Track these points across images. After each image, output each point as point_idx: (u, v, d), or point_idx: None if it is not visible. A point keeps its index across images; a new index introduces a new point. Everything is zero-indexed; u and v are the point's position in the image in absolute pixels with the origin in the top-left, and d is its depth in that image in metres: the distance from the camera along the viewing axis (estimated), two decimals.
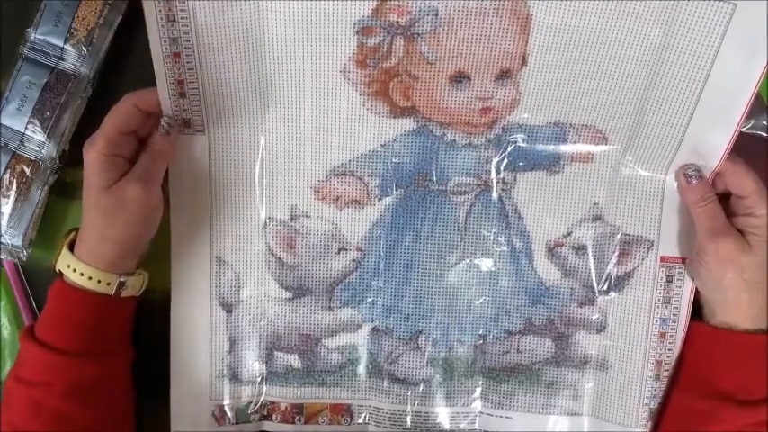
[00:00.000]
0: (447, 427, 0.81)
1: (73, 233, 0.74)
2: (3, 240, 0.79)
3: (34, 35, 0.76)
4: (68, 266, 0.71)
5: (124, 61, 0.80)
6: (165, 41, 0.70)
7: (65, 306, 0.72)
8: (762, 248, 0.70)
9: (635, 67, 0.70)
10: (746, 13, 0.65)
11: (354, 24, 0.70)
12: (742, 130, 0.76)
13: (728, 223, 0.72)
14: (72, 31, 0.76)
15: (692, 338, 0.76)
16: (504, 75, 0.72)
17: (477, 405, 0.80)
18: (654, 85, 0.71)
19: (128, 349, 0.77)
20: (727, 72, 0.68)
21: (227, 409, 0.80)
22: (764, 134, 0.79)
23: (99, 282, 0.71)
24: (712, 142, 0.71)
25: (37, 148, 0.78)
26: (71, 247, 0.73)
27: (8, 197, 0.78)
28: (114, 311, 0.74)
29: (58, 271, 0.73)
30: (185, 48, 0.70)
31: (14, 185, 0.78)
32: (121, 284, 0.72)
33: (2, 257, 0.81)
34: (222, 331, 0.79)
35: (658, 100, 0.71)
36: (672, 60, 0.69)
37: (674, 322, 0.76)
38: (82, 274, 0.71)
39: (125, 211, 0.70)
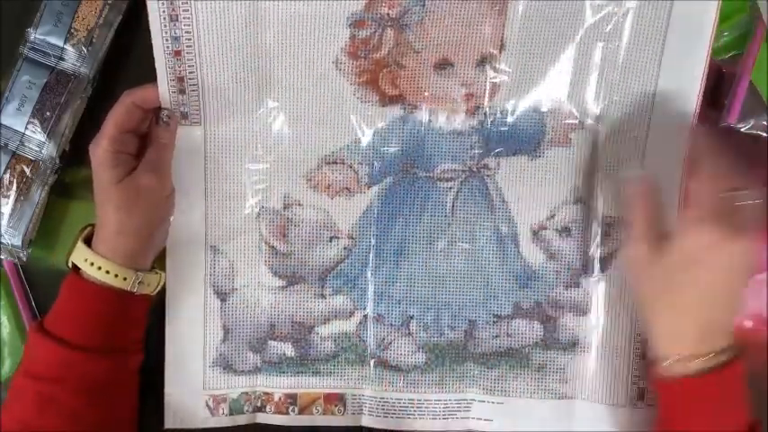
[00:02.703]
0: (440, 414, 0.81)
1: (89, 228, 0.75)
2: (3, 240, 0.79)
3: (34, 35, 0.77)
4: (85, 260, 0.72)
5: (124, 61, 0.80)
6: (166, 40, 0.72)
7: (79, 300, 0.73)
8: (671, 251, 0.67)
9: (600, 44, 0.74)
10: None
11: (347, 18, 0.73)
12: (742, 129, 0.79)
13: (647, 229, 0.70)
14: (72, 31, 0.76)
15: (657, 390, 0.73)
16: (484, 60, 0.75)
17: (470, 391, 0.81)
18: (617, 64, 0.74)
19: (139, 349, 0.77)
20: (679, 54, 0.73)
21: (221, 400, 0.80)
22: (764, 134, 0.80)
23: (116, 276, 0.72)
24: (678, 130, 0.75)
25: (37, 148, 0.78)
26: (87, 243, 0.73)
27: (8, 197, 0.78)
28: (128, 308, 0.75)
29: (71, 265, 0.74)
30: (186, 46, 0.73)
31: (14, 185, 0.78)
32: (138, 280, 0.73)
33: (2, 257, 0.81)
34: (216, 320, 0.80)
35: (623, 80, 0.75)
36: (630, 34, 0.73)
37: None
38: (99, 268, 0.71)
39: (140, 201, 0.71)
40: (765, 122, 0.79)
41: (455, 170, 0.78)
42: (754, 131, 0.80)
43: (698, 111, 0.74)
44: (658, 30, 0.73)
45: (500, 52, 0.74)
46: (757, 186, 0.67)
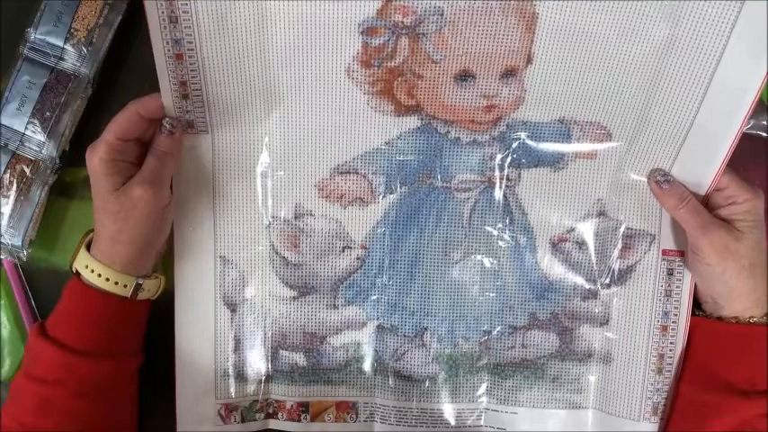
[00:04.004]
0: (453, 423, 0.81)
1: (91, 233, 0.74)
2: (3, 240, 0.79)
3: (34, 35, 0.76)
4: (86, 267, 0.71)
5: (124, 61, 0.80)
6: (167, 43, 0.69)
7: (81, 305, 0.72)
8: (752, 232, 0.71)
9: (641, 63, 0.70)
10: (753, 12, 0.65)
11: (359, 25, 0.70)
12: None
13: (713, 216, 0.73)
14: (72, 31, 0.76)
15: (695, 333, 0.76)
16: (509, 73, 0.72)
17: (483, 401, 0.81)
18: (659, 82, 0.71)
19: (139, 352, 0.77)
20: (733, 71, 0.68)
21: (232, 408, 0.80)
22: (764, 134, 0.80)
23: (116, 283, 0.71)
24: (716, 141, 0.71)
25: (37, 148, 0.78)
26: (88, 248, 0.73)
27: (8, 197, 0.78)
28: (129, 313, 0.74)
29: (74, 270, 0.73)
30: (188, 49, 0.69)
31: (14, 185, 0.78)
32: (138, 287, 0.73)
33: (2, 257, 0.80)
34: (227, 330, 0.79)
35: (663, 97, 0.71)
36: (678, 57, 0.69)
37: (676, 315, 0.77)
38: (99, 275, 0.71)
39: (134, 213, 0.69)
40: (765, 122, 0.79)
41: (473, 181, 0.77)
42: (754, 131, 0.80)
43: (738, 136, 0.71)
44: (714, 49, 0.68)
45: (527, 65, 0.72)
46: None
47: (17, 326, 0.83)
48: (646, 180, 0.75)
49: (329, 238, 0.78)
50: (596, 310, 0.79)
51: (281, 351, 0.80)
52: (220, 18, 0.69)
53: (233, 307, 0.79)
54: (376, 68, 0.72)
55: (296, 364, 0.80)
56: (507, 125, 0.75)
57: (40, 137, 0.77)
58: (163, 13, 0.67)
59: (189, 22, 0.68)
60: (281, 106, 0.75)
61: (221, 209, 0.77)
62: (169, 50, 0.69)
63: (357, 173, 0.76)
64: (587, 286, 0.78)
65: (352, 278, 0.79)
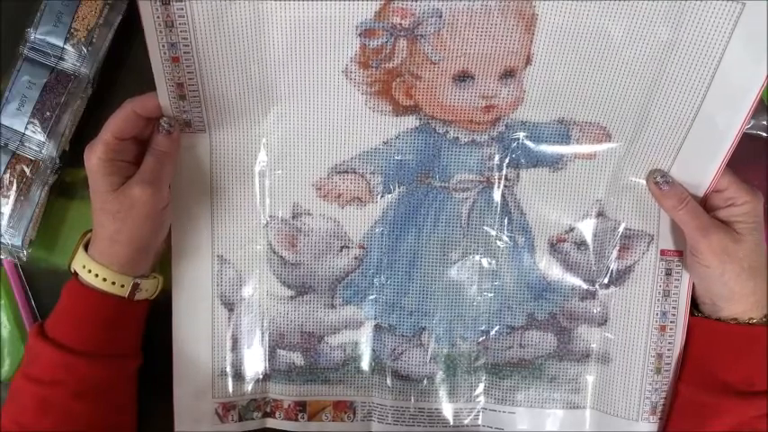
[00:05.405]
0: (450, 422, 0.81)
1: (89, 234, 0.74)
2: (3, 240, 0.79)
3: (34, 35, 0.76)
4: (83, 267, 0.71)
5: (124, 61, 0.80)
6: (163, 46, 0.69)
7: (79, 306, 0.72)
8: (752, 234, 0.71)
9: (641, 65, 0.70)
10: (754, 13, 0.65)
11: (357, 27, 0.70)
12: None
13: (712, 218, 0.72)
14: (72, 31, 0.76)
15: (694, 333, 0.76)
16: (508, 74, 0.72)
17: (481, 400, 0.81)
18: (659, 82, 0.71)
19: (137, 352, 0.77)
20: (734, 71, 0.68)
21: (230, 407, 0.80)
22: (764, 134, 0.80)
23: (113, 283, 0.71)
24: (716, 142, 0.71)
25: (37, 148, 0.78)
26: (86, 248, 0.73)
27: (8, 197, 0.78)
28: (127, 313, 0.74)
29: (72, 271, 0.73)
30: (184, 52, 0.69)
31: (14, 185, 0.78)
32: (135, 287, 0.72)
33: (2, 257, 0.80)
34: (224, 330, 0.79)
35: (664, 98, 0.71)
36: (678, 58, 0.69)
37: (674, 315, 0.77)
38: (96, 276, 0.71)
39: (133, 213, 0.69)
40: (765, 122, 0.79)
41: (472, 181, 0.77)
42: (754, 131, 0.80)
43: (738, 136, 0.71)
44: (715, 50, 0.68)
45: (526, 66, 0.72)
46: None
47: (17, 326, 0.83)
48: (644, 182, 0.75)
49: (327, 238, 0.78)
50: (594, 311, 0.79)
51: (278, 350, 0.80)
52: (217, 21, 0.69)
53: (230, 306, 0.79)
54: (374, 69, 0.72)
55: (293, 363, 0.80)
56: (506, 125, 0.75)
57: (40, 137, 0.77)
58: (159, 18, 0.68)
59: (185, 26, 0.68)
60: (278, 106, 0.75)
61: (219, 208, 0.77)
62: (165, 54, 0.69)
63: (355, 172, 0.76)
64: (585, 286, 0.78)
65: (349, 278, 0.79)
